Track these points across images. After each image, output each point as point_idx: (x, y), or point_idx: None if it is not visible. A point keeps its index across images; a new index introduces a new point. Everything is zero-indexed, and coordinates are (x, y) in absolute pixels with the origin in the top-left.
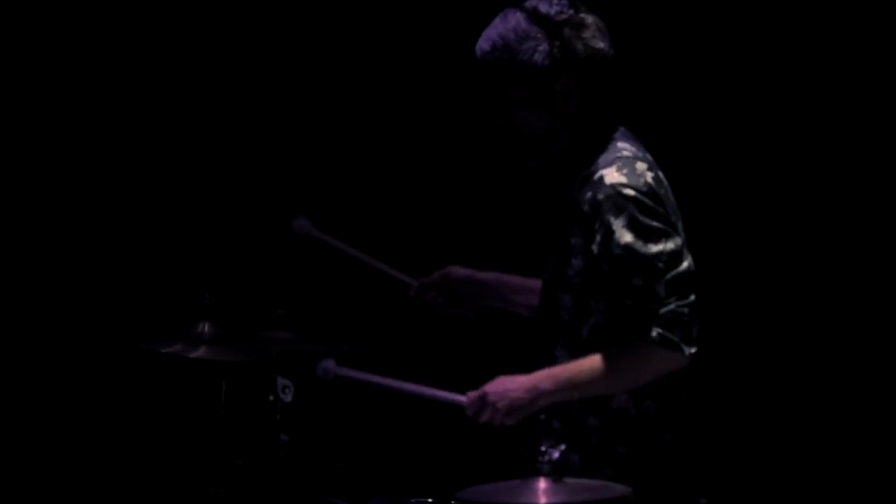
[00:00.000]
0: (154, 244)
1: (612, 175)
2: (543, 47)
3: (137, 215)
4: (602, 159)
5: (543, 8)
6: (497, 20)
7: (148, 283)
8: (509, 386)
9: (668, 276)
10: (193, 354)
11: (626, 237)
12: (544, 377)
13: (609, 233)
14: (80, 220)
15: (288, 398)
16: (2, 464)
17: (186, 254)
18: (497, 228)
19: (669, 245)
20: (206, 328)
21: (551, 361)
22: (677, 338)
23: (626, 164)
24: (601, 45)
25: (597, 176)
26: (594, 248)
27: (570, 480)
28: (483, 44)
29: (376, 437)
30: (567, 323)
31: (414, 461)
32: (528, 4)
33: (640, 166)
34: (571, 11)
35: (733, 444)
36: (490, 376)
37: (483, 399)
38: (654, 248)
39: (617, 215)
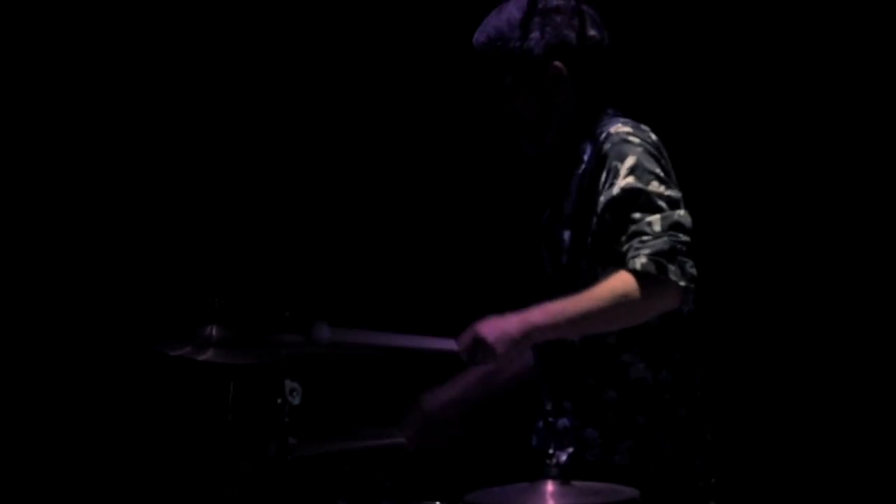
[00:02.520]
0: (162, 247)
1: (617, 128)
2: (535, 35)
3: (146, 219)
4: (602, 128)
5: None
6: (494, 11)
7: (156, 286)
8: (500, 322)
9: (665, 214)
10: (201, 357)
11: (629, 179)
12: (536, 311)
13: (614, 176)
14: (89, 224)
15: (296, 401)
16: (11, 465)
17: (195, 257)
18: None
19: (670, 192)
20: (215, 331)
21: (618, 364)
22: (670, 268)
23: (630, 123)
24: (594, 33)
25: (602, 136)
26: (601, 198)
27: (577, 483)
28: (479, 35)
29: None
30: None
31: (422, 464)
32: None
33: (645, 127)
34: (565, 1)
35: (739, 435)
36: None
37: (475, 338)
38: (655, 189)
39: (622, 160)
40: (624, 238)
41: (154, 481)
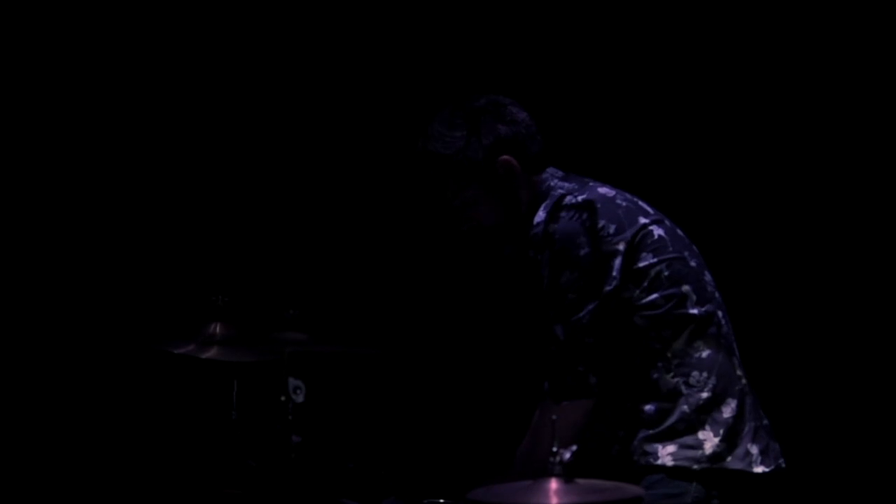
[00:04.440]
0: (166, 246)
1: (539, 216)
2: (472, 141)
3: (150, 217)
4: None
5: (458, 109)
6: (428, 137)
7: (160, 285)
8: None
9: (573, 319)
10: (205, 355)
11: (554, 278)
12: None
13: (538, 267)
14: (93, 223)
15: (300, 399)
16: (15, 463)
17: (199, 255)
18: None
19: (582, 281)
20: (218, 329)
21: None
22: (565, 391)
23: (555, 201)
24: (519, 114)
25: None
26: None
27: (581, 481)
28: (425, 163)
29: (388, 438)
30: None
31: (426, 461)
32: (447, 108)
33: (575, 199)
34: (486, 99)
35: None
36: (500, 378)
37: None
38: (566, 284)
39: (542, 252)
40: (554, 327)
41: (158, 479)
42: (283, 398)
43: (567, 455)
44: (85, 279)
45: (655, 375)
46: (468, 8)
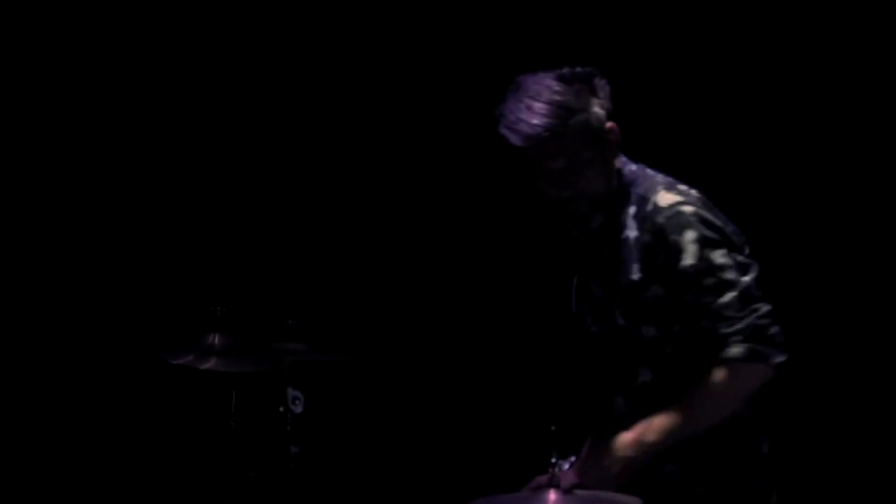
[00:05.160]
0: (165, 256)
1: (665, 197)
2: (594, 102)
3: (149, 227)
4: (640, 189)
5: (566, 71)
6: (518, 104)
7: (159, 295)
8: (617, 454)
9: (740, 290)
10: (204, 366)
11: (694, 256)
12: (649, 432)
13: (677, 253)
14: (93, 232)
15: (298, 409)
16: (14, 471)
17: (197, 266)
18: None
19: (734, 255)
20: (217, 339)
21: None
22: (762, 350)
23: (670, 185)
24: (608, 87)
25: (649, 207)
26: (667, 275)
27: (580, 492)
28: (527, 126)
29: (387, 447)
30: (648, 350)
31: (425, 470)
32: (548, 74)
33: (683, 186)
34: (581, 69)
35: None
36: (499, 387)
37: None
38: (722, 261)
39: (681, 234)
40: (703, 322)
41: (157, 489)
42: (281, 409)
43: (566, 466)
44: (85, 290)
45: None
46: (465, 8)
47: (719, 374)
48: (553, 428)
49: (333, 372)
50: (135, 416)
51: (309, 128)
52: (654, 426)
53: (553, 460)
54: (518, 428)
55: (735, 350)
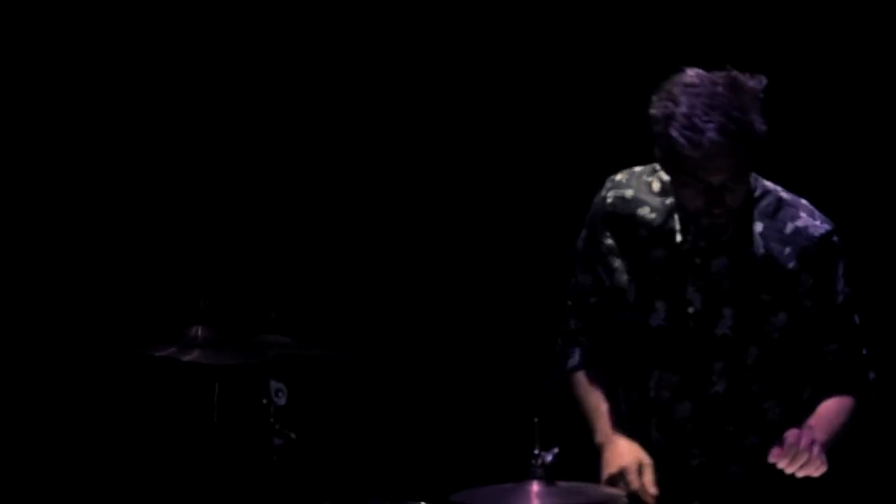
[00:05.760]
0: (149, 248)
1: (814, 225)
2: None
3: (133, 219)
4: (767, 206)
5: (740, 76)
6: (743, 99)
7: (142, 287)
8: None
9: (860, 321)
10: (187, 358)
11: (845, 288)
12: (822, 432)
13: (831, 283)
14: (75, 224)
15: (281, 402)
16: None
17: (181, 257)
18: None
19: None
20: (200, 331)
21: (759, 411)
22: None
23: (808, 208)
24: None
25: (789, 229)
26: (808, 296)
27: (563, 483)
28: (758, 125)
29: (370, 441)
30: (725, 357)
31: (408, 464)
32: (728, 76)
33: (814, 208)
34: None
35: None
36: (482, 379)
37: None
38: (852, 293)
39: (835, 266)
40: (836, 345)
41: (140, 482)
42: (264, 401)
43: (549, 458)
44: (67, 282)
45: None
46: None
47: (862, 397)
48: (536, 420)
49: (317, 365)
50: (117, 408)
51: (292, 120)
52: (826, 428)
53: (536, 452)
54: (501, 420)
55: (870, 376)
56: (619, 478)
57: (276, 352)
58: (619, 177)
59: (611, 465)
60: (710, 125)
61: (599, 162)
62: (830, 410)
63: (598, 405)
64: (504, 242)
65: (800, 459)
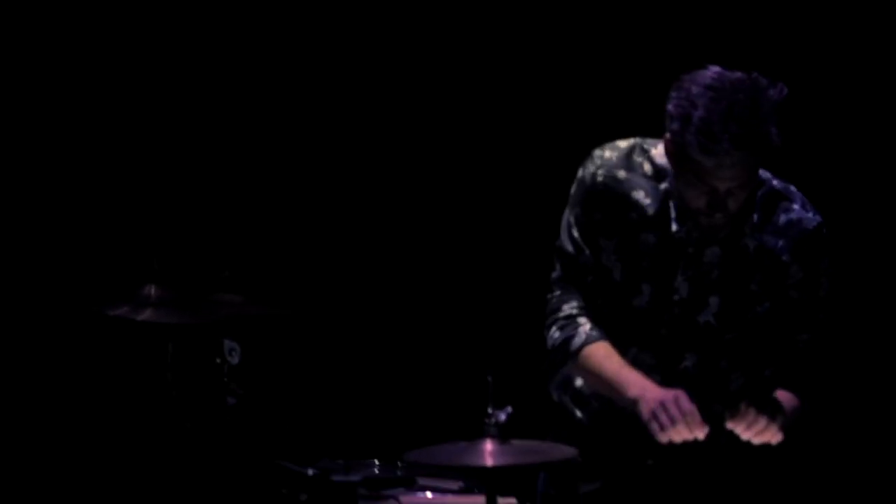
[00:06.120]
0: (102, 207)
1: (807, 218)
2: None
3: (87, 178)
4: (760, 196)
5: (762, 82)
6: (748, 109)
7: (96, 246)
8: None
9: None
10: (140, 317)
11: (829, 278)
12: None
13: (821, 275)
14: (28, 183)
15: (235, 360)
16: None
17: (134, 216)
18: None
19: None
20: (153, 291)
21: (724, 382)
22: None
23: (800, 198)
24: None
25: (783, 220)
26: (795, 287)
27: (516, 442)
28: (770, 138)
29: (324, 399)
30: (702, 339)
31: (362, 422)
32: (751, 82)
33: (801, 194)
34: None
35: None
36: (436, 338)
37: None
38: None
39: (825, 258)
40: (808, 336)
41: (93, 441)
42: (218, 360)
43: (502, 416)
44: (19, 239)
45: None
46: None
47: (817, 393)
48: (489, 378)
49: (270, 323)
50: (70, 367)
51: (240, 79)
52: (791, 409)
53: (489, 410)
54: (454, 378)
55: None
56: (659, 412)
57: (229, 311)
58: (607, 154)
59: (649, 402)
60: (727, 136)
61: (551, 133)
62: (790, 395)
63: (621, 366)
64: (453, 197)
65: (756, 426)
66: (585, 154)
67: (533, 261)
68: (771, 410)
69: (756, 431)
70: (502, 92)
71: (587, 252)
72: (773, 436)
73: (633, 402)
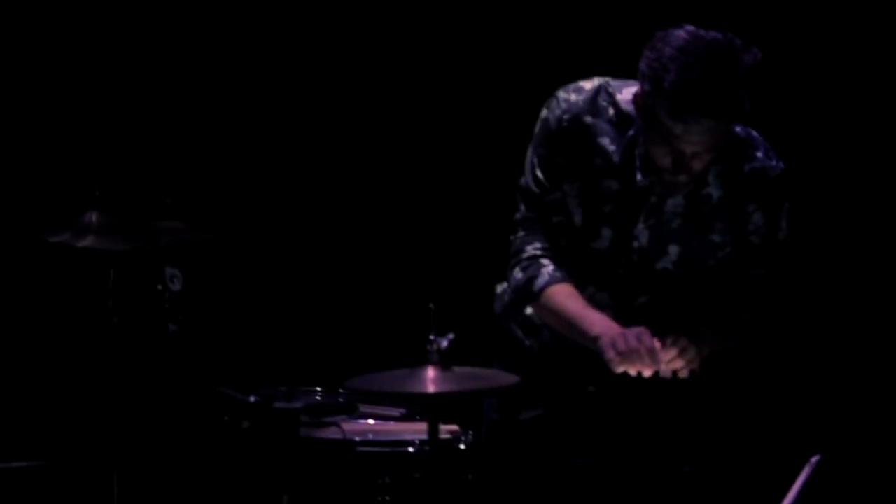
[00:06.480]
0: (43, 132)
1: (770, 166)
2: None
3: (27, 104)
4: (724, 146)
5: (737, 46)
6: (721, 76)
7: (36, 173)
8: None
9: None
10: (81, 244)
11: (788, 222)
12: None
13: (781, 219)
14: None
15: (176, 288)
16: None
17: (76, 142)
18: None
19: None
20: (95, 217)
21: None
22: None
23: (763, 144)
24: None
25: (747, 169)
26: (756, 233)
27: (458, 369)
28: (741, 106)
29: (266, 326)
30: (659, 282)
31: (304, 350)
32: (726, 46)
33: (763, 140)
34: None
35: None
36: (378, 265)
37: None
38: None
39: (785, 203)
40: (763, 270)
41: (32, 366)
42: (159, 287)
43: (444, 343)
44: None
45: None
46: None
47: (758, 310)
48: (431, 305)
49: (212, 250)
50: (10, 293)
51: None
52: (718, 337)
53: (431, 338)
54: (396, 306)
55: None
56: (619, 341)
57: (170, 238)
58: (573, 97)
59: (611, 337)
60: (697, 104)
61: (509, 66)
62: (729, 321)
63: (584, 307)
64: (399, 127)
65: (675, 361)
66: (546, 93)
67: (473, 188)
68: (691, 342)
69: (667, 361)
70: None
71: (552, 192)
72: (683, 368)
73: (595, 340)
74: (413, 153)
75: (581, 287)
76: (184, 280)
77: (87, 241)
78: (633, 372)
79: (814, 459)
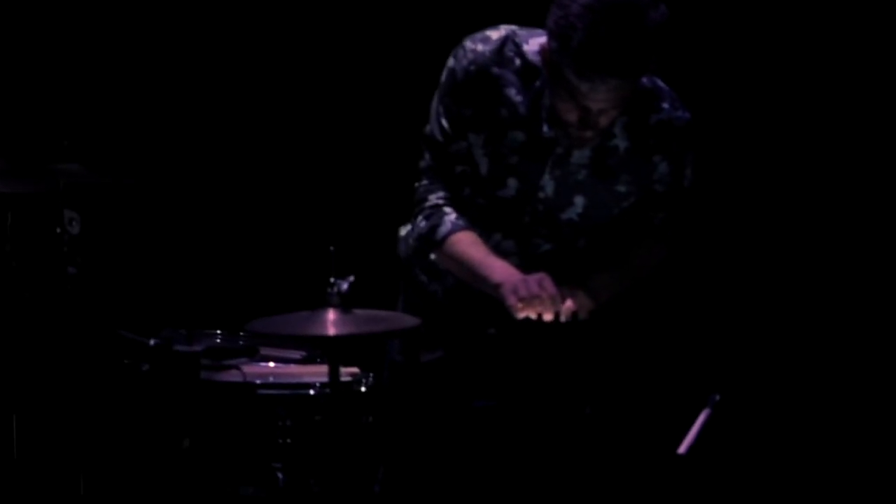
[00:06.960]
0: None
1: (676, 117)
2: None
3: None
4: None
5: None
6: (629, 35)
7: None
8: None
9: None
10: None
11: (692, 170)
12: (605, 290)
13: (685, 167)
14: None
15: (75, 230)
16: None
17: None
18: None
19: None
20: None
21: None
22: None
23: (669, 94)
24: None
25: (654, 120)
26: (660, 182)
27: (358, 311)
28: (648, 64)
29: (166, 269)
30: (564, 231)
31: (204, 292)
32: (634, 3)
33: (669, 89)
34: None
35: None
36: (275, 210)
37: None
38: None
39: (690, 151)
40: (664, 214)
41: None
42: (58, 230)
43: (344, 286)
44: None
45: None
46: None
47: (661, 255)
48: (331, 248)
49: (110, 193)
50: None
51: None
52: (610, 285)
53: (331, 280)
54: (296, 248)
55: (669, 237)
56: (521, 287)
57: (68, 180)
58: (479, 47)
59: (513, 283)
60: (604, 64)
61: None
62: (629, 265)
63: (486, 254)
64: (302, 66)
65: (567, 301)
66: (455, 40)
67: (374, 130)
68: (591, 287)
69: (573, 308)
70: None
71: (456, 141)
72: (566, 313)
73: (497, 287)
74: (314, 93)
75: (487, 233)
76: (82, 223)
77: None
78: (533, 316)
79: (714, 398)
